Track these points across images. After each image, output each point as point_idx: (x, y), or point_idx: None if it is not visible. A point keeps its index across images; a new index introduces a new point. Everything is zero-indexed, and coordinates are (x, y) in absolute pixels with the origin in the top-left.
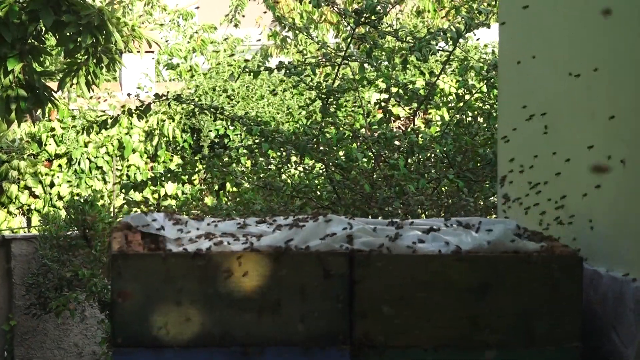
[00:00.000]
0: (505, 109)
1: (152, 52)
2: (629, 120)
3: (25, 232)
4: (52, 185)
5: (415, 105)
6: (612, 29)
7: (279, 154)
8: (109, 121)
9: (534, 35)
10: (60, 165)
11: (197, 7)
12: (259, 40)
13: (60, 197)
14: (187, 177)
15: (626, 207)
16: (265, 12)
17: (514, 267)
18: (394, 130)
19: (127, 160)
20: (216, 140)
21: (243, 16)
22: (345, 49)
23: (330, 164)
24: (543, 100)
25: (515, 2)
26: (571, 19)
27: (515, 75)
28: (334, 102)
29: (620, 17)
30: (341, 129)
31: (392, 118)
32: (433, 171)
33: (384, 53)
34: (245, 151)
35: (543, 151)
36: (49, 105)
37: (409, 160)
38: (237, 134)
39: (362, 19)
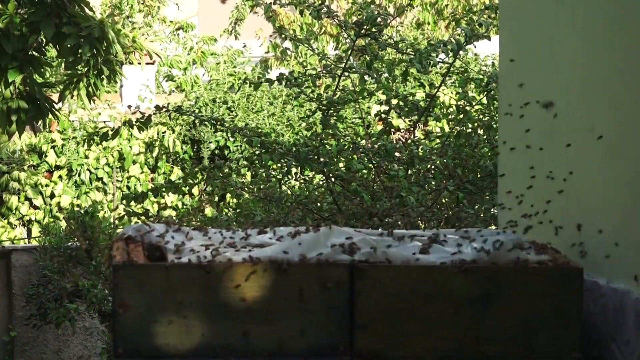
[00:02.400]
0: (505, 120)
1: (153, 63)
2: (627, 133)
3: (25, 243)
4: (52, 196)
5: (415, 117)
6: (612, 44)
7: (279, 165)
8: (110, 133)
9: (534, 48)
10: (60, 177)
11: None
12: (260, 45)
13: (60, 208)
14: (187, 188)
15: (627, 219)
16: (254, 18)
17: (514, 279)
18: (394, 141)
19: (128, 172)
20: (216, 151)
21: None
22: (345, 61)
23: (331, 175)
24: (543, 112)
25: (516, 14)
26: (572, 33)
27: (516, 86)
28: (335, 114)
29: (620, 32)
30: (342, 140)
31: (392, 130)
32: (433, 183)
33: (384, 65)
34: (245, 162)
35: (543, 162)
36: (50, 116)
37: (409, 172)
38: (237, 146)
39: (363, 31)
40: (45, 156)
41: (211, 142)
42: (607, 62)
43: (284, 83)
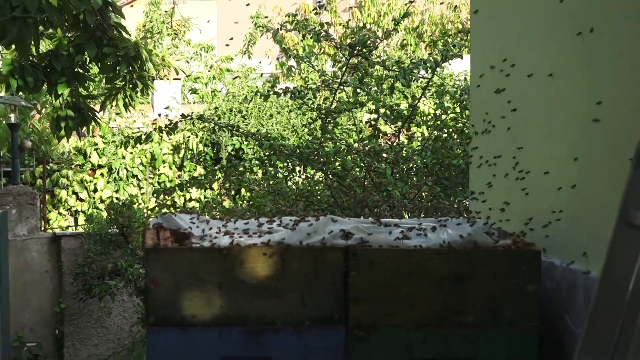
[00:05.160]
0: (476, 126)
1: (179, 79)
2: (580, 136)
3: (73, 230)
4: (95, 190)
5: (399, 123)
6: (568, 61)
7: (285, 164)
8: (143, 137)
9: (500, 65)
10: (102, 174)
11: (227, 45)
12: (269, 63)
13: (102, 201)
14: (208, 183)
15: (580, 210)
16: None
17: (483, 260)
18: (382, 144)
19: (158, 170)
20: (233, 152)
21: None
22: (341, 77)
23: (329, 172)
24: (508, 118)
25: (484, 37)
26: (533, 52)
27: (485, 98)
28: (332, 121)
29: (574, 51)
30: (338, 143)
31: (380, 134)
32: (415, 179)
33: (373, 80)
34: (257, 162)
35: (509, 161)
36: (93, 123)
37: (395, 170)
38: (250, 148)
39: (355, 51)
40: (89, 157)
41: (228, 145)
42: (563, 76)
43: (289, 95)
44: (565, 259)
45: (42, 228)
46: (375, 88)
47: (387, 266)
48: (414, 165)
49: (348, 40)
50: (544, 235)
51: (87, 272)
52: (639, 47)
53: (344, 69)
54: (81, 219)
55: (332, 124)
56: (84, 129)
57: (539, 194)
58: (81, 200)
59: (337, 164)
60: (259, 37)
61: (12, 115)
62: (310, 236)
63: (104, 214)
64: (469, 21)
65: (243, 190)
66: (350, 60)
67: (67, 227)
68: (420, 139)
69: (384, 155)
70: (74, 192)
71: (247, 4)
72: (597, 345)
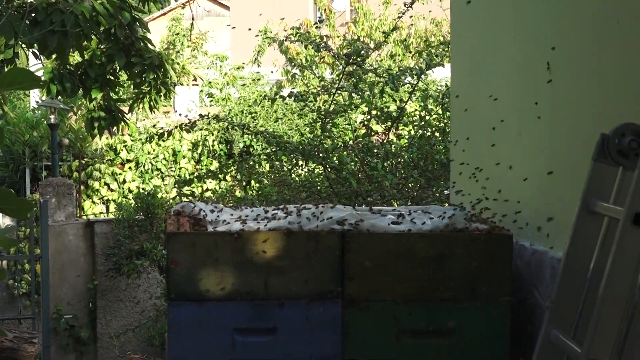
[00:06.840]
0: (455, 126)
1: (197, 84)
2: (545, 136)
3: (104, 217)
4: (124, 182)
5: (389, 123)
6: (534, 71)
7: (289, 159)
8: (166, 134)
9: (476, 73)
10: (130, 167)
11: (250, 29)
12: (275, 71)
13: (130, 191)
14: (222, 176)
15: (545, 200)
16: (274, 57)
17: (462, 243)
18: (374, 141)
19: (179, 164)
20: (244, 149)
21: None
22: (338, 82)
23: (327, 166)
24: (483, 119)
25: (463, 48)
26: (504, 62)
27: (463, 101)
28: (330, 121)
29: (538, 63)
30: (335, 140)
31: (372, 133)
32: (402, 172)
33: (366, 85)
34: (265, 157)
35: (484, 157)
36: (122, 123)
37: (385, 164)
38: (259, 145)
39: (351, 60)
40: (119, 152)
41: (240, 142)
42: (531, 84)
43: (293, 99)
44: (533, 242)
45: (78, 215)
46: (368, 92)
47: (378, 248)
48: (402, 160)
49: (344, 51)
50: (514, 220)
51: (116, 253)
52: (594, 60)
53: (340, 75)
54: (112, 207)
55: (330, 124)
56: (115, 128)
57: (510, 186)
58: (112, 190)
59: (334, 158)
60: (267, 48)
61: (52, 117)
62: (311, 222)
63: (132, 202)
64: (449, 35)
65: (253, 181)
66: (346, 68)
67: (99, 214)
68: (407, 136)
69: (375, 151)
70: (106, 184)
71: (260, 14)
72: (563, 316)
